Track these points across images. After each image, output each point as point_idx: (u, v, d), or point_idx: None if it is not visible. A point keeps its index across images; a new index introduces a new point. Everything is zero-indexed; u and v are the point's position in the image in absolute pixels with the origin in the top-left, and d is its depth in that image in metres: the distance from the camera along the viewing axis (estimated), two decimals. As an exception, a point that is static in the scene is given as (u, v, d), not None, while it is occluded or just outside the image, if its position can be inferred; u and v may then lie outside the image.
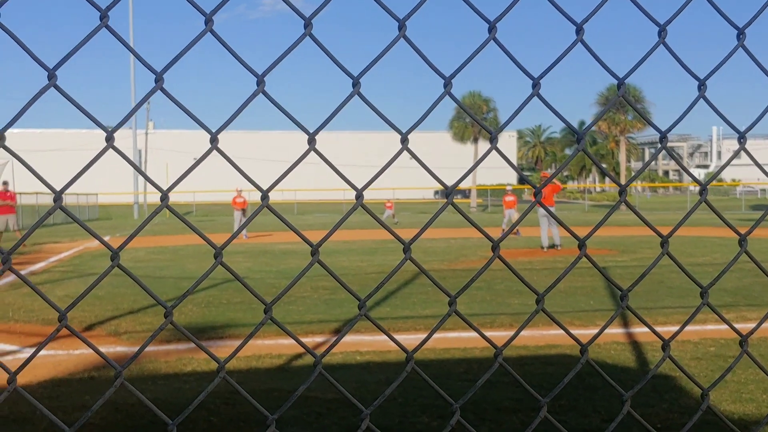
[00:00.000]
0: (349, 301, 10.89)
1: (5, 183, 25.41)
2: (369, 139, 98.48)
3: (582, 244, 1.59)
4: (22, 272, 12.89)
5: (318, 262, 1.44)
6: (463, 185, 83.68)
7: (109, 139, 1.26)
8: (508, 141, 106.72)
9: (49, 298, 1.29)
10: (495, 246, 1.48)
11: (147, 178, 1.34)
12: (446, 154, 77.09)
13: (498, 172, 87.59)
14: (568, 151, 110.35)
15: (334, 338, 8.97)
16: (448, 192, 1.48)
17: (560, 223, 1.51)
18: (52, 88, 1.21)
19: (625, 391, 1.76)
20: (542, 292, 1.58)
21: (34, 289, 1.21)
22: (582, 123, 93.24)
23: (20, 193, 33.44)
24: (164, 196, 1.35)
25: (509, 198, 28.22)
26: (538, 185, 1.54)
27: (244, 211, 29.19)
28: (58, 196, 1.21)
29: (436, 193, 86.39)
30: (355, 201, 1.45)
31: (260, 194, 1.41)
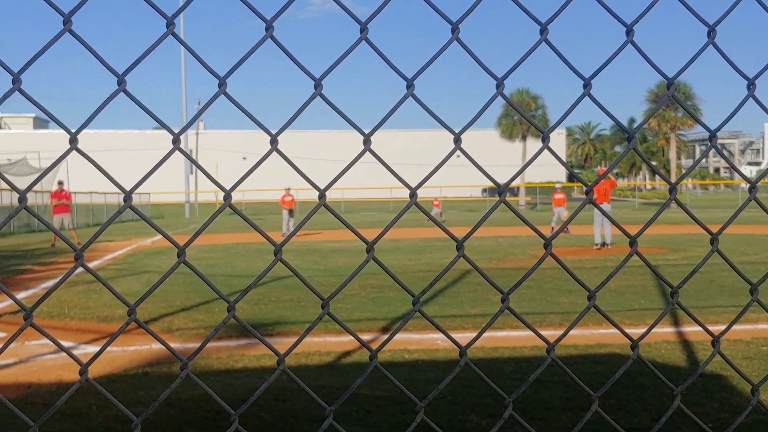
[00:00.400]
0: (397, 300, 10.93)
1: (60, 183, 25.96)
2: (414, 137, 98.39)
3: (633, 241, 1.60)
4: (78, 270, 13.21)
5: (373, 259, 1.47)
6: (511, 183, 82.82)
7: (176, 141, 1.31)
8: (557, 138, 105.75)
9: (120, 294, 1.34)
10: (547, 243, 1.50)
11: (211, 178, 1.39)
12: (494, 152, 76.66)
13: (547, 170, 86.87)
14: (618, 149, 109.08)
15: (382, 336, 9.03)
16: (500, 190, 1.50)
17: (612, 222, 1.52)
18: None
19: (674, 386, 1.77)
20: (593, 290, 1.60)
21: (106, 285, 1.27)
22: (632, 120, 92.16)
23: (75, 193, 34.12)
24: (227, 196, 1.40)
25: (558, 196, 28.00)
26: (590, 183, 1.56)
27: (291, 210, 29.41)
28: (128, 195, 1.27)
29: (484, 191, 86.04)
30: (409, 199, 1.48)
31: (318, 196, 1.45)
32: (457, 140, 1.43)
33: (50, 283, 14.25)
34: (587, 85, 1.54)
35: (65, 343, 8.37)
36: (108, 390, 6.20)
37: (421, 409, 1.53)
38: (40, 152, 45.00)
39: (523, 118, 67.61)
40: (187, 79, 65.33)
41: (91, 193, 46.42)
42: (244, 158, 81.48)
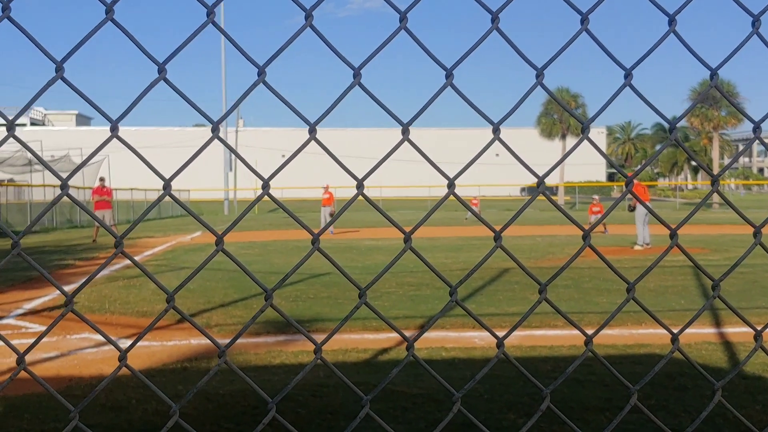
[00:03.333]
0: (434, 298, 10.92)
1: (102, 179, 26.28)
2: (451, 136, 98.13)
3: (673, 233, 1.58)
4: (118, 266, 13.36)
5: (411, 249, 1.47)
6: (550, 182, 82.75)
7: (215, 130, 1.32)
8: (597, 137, 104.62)
9: (159, 281, 1.35)
10: (585, 235, 1.49)
11: (249, 166, 1.39)
12: (533, 151, 76.21)
13: (586, 169, 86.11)
14: (659, 148, 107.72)
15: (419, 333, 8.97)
16: (539, 182, 1.49)
17: (654, 215, 1.50)
18: (162, 83, 1.27)
19: (715, 380, 1.75)
20: (632, 282, 1.58)
21: (146, 273, 1.28)
22: (673, 118, 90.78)
23: (116, 189, 34.55)
24: (265, 185, 1.40)
25: (596, 208, 27.76)
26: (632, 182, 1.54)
27: (330, 206, 29.51)
28: (167, 183, 1.28)
29: (523, 190, 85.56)
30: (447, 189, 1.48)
31: (356, 186, 1.45)
32: (496, 130, 1.42)
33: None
34: (628, 75, 1.52)
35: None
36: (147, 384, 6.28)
37: (458, 400, 1.52)
38: (82, 149, 45.65)
39: (563, 113, 67.32)
40: (227, 78, 65.67)
41: (132, 189, 47.00)
42: (283, 155, 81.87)
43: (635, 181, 19.69)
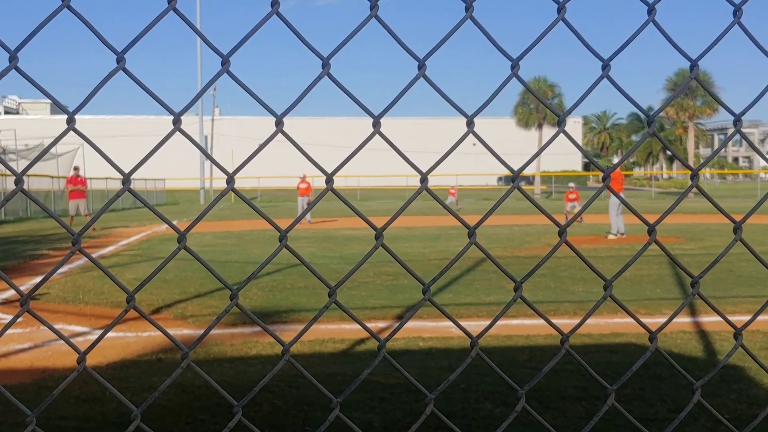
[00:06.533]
0: (412, 288, 10.90)
1: (76, 168, 26.06)
2: (428, 125, 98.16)
3: (651, 229, 1.55)
4: (94, 255, 13.25)
5: (382, 246, 1.43)
6: (527, 171, 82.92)
7: (176, 122, 1.27)
8: (573, 127, 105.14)
9: (119, 280, 1.31)
10: (562, 231, 1.46)
11: (212, 161, 1.35)
12: (510, 141, 76.41)
13: (563, 158, 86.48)
14: (634, 137, 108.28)
15: (397, 324, 8.98)
16: (515, 177, 1.46)
17: (631, 210, 1.47)
18: (122, 72, 1.22)
19: (694, 380, 1.72)
20: (609, 279, 1.56)
21: (104, 271, 1.24)
22: (650, 108, 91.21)
23: (90, 179, 34.25)
24: (230, 179, 1.36)
25: (572, 196, 27.92)
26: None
27: (307, 197, 29.40)
28: (126, 178, 1.23)
29: (500, 179, 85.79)
30: (419, 185, 1.44)
31: (325, 180, 1.41)
32: (470, 123, 1.38)
33: (65, 268, 14.32)
34: (606, 66, 1.49)
35: (78, 328, 8.39)
36: (121, 375, 6.20)
37: (431, 401, 1.49)
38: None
39: (540, 105, 67.46)
40: (203, 68, 65.18)
41: (107, 178, 46.58)
42: (260, 144, 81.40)
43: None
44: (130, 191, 1.22)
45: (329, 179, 1.40)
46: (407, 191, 65.35)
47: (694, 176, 1.55)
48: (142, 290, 10.76)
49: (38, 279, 12.16)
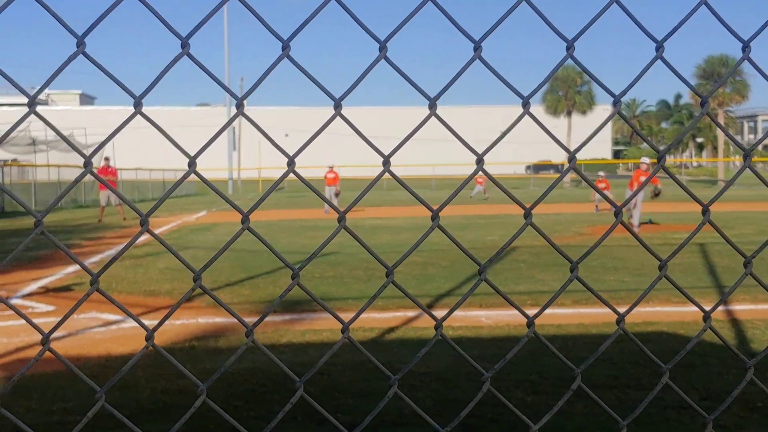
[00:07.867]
0: (440, 277, 10.92)
1: (107, 159, 26.29)
2: (459, 113, 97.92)
3: (705, 209, 1.56)
4: (125, 245, 13.49)
5: (438, 227, 1.45)
6: (556, 160, 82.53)
7: (239, 105, 1.30)
8: (602, 114, 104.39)
9: (184, 258, 1.34)
10: (618, 212, 1.47)
11: (275, 144, 1.37)
12: (538, 129, 75.94)
13: (592, 147, 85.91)
14: (664, 125, 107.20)
15: (425, 313, 8.97)
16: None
17: (685, 189, 1.48)
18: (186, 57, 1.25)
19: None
20: (665, 259, 1.56)
21: (171, 250, 1.27)
22: (678, 96, 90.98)
23: (121, 169, 34.56)
24: (290, 162, 1.38)
25: (602, 185, 27.85)
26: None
27: (335, 186, 29.43)
28: (192, 161, 1.26)
29: (528, 168, 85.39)
30: (475, 166, 1.46)
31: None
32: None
33: (97, 258, 14.48)
34: (660, 47, 1.49)
35: (112, 317, 8.49)
36: (155, 363, 6.26)
37: (487, 380, 1.51)
38: (86, 128, 45.59)
39: (569, 91, 67.06)
40: (231, 58, 65.40)
41: (136, 169, 47.03)
42: (287, 135, 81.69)
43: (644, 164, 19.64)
44: (197, 173, 1.25)
45: (386, 161, 1.42)
46: (433, 180, 65.29)
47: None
48: (174, 281, 10.87)
49: (72, 268, 12.30)
